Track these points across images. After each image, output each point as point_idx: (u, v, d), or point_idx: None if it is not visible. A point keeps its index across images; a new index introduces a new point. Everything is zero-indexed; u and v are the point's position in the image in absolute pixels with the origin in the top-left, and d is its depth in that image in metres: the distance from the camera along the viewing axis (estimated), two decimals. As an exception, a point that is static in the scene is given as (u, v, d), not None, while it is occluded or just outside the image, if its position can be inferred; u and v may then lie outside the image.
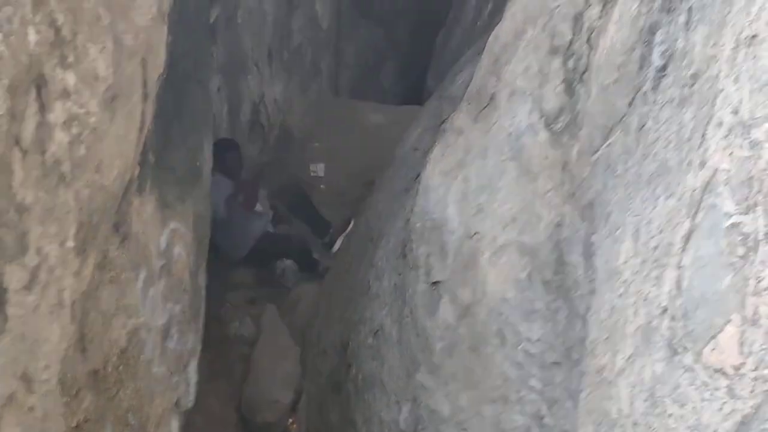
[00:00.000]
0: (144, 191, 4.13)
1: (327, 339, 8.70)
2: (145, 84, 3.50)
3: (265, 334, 10.07)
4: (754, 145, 2.31)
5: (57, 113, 2.44)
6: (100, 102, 2.72)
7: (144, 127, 3.62)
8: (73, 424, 3.19)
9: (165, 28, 3.96)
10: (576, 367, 3.97)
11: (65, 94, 2.48)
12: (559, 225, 4.41)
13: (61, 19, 2.42)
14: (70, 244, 2.71)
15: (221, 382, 9.77)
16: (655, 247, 2.95)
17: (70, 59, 2.50)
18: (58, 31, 2.40)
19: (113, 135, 3.05)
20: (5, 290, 2.02)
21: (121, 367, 3.69)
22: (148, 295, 4.12)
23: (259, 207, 10.30)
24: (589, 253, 4.00)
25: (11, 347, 2.02)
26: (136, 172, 3.86)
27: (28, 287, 2.24)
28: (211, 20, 8.10)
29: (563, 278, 4.32)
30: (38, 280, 2.39)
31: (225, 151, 9.45)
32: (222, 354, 9.82)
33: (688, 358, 2.46)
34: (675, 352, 2.54)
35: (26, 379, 2.23)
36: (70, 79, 2.50)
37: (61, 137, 2.46)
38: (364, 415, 6.93)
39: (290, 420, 10.19)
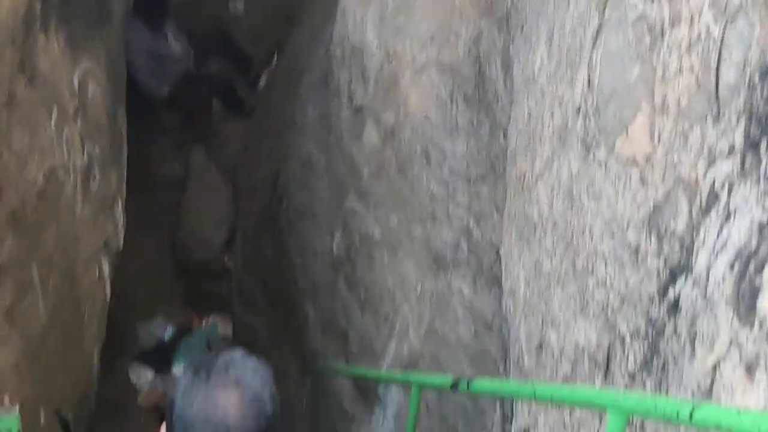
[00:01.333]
0: (49, 29, 3.99)
1: (257, 176, 8.67)
2: None
3: (195, 176, 10.04)
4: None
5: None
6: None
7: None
8: (-4, 267, 3.18)
9: None
10: (501, 179, 4.00)
11: None
12: (477, 40, 4.37)
13: None
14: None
15: (153, 227, 9.76)
16: (568, 49, 2.93)
17: None
18: None
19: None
20: None
21: (40, 209, 3.64)
22: (62, 135, 4.03)
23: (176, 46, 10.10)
24: (507, 65, 3.98)
25: None
26: (38, 7, 3.72)
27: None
28: None
29: (484, 93, 4.31)
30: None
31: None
32: (151, 199, 9.76)
33: (601, 153, 2.48)
34: (589, 149, 2.55)
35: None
36: None
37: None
38: (298, 245, 6.98)
39: (226, 257, 10.28)
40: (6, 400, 3.30)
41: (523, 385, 2.33)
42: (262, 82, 10.35)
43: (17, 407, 1.56)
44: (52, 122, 3.87)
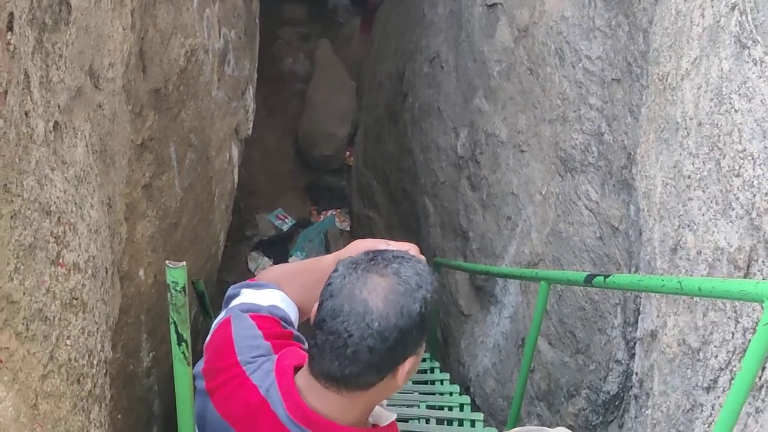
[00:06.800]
0: None
1: (382, 71, 8.67)
2: None
3: (320, 70, 10.08)
4: None
5: None
6: None
7: None
8: (139, 142, 3.23)
9: None
10: (637, 82, 3.92)
11: None
12: (621, -63, 4.26)
13: None
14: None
15: (277, 118, 9.88)
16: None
17: None
18: None
19: None
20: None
21: (181, 87, 3.69)
22: (204, 16, 4.07)
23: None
24: (653, -38, 3.87)
25: (77, 39, 2.01)
26: None
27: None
28: None
29: (625, -8, 4.21)
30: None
31: None
32: (277, 91, 9.87)
33: (757, 51, 2.40)
34: (744, 47, 2.48)
35: (93, 75, 2.23)
36: None
37: None
38: (422, 143, 6.99)
39: (347, 153, 10.37)
40: (141, 273, 3.41)
41: (667, 279, 2.30)
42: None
43: (184, 263, 1.60)
44: (195, 2, 3.91)
